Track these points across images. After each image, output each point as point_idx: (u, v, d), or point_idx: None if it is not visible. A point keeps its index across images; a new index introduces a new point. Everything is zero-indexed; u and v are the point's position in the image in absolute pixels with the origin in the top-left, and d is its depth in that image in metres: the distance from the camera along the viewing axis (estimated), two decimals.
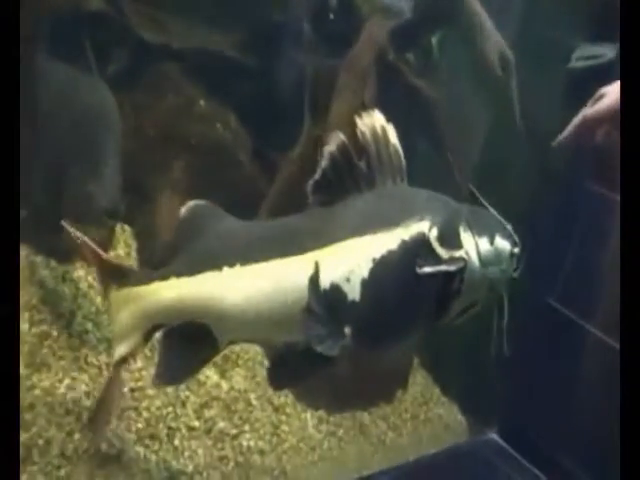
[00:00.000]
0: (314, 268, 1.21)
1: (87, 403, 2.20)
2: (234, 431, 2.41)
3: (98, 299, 2.55)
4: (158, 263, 1.43)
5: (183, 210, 1.42)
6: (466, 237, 1.28)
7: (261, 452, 2.41)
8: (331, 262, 1.21)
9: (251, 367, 2.59)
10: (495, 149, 3.21)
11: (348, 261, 1.21)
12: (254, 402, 2.54)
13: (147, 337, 1.57)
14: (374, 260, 1.21)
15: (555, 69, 3.00)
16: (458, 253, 1.26)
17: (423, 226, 1.25)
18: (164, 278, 1.36)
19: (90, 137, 2.11)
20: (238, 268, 1.24)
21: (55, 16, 2.42)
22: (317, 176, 1.34)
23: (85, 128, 2.13)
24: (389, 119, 3.29)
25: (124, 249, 2.79)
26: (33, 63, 2.05)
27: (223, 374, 2.52)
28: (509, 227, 1.38)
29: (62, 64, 2.25)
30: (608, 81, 2.73)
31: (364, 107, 3.18)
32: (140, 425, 2.24)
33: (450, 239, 1.26)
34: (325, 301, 1.20)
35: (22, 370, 2.12)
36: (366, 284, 1.21)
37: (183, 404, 2.38)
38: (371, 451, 2.68)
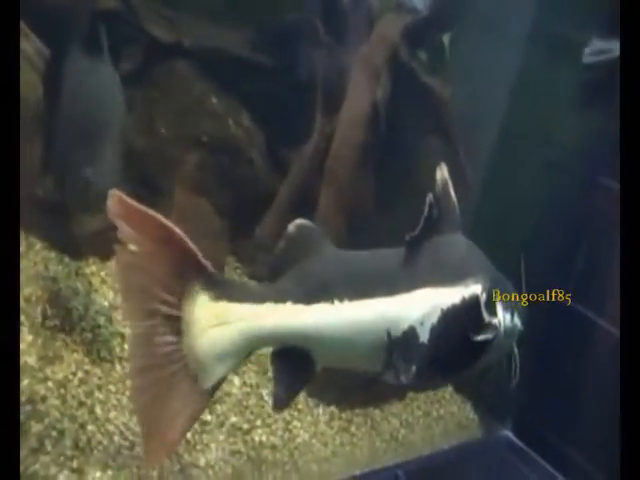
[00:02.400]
0: (399, 311, 1.34)
1: (100, 396, 2.20)
2: (246, 426, 2.41)
3: (110, 294, 2.56)
4: (266, 278, 1.38)
5: (290, 227, 1.39)
6: (499, 308, 1.46)
7: (273, 447, 2.41)
8: (412, 306, 1.35)
9: (263, 363, 2.59)
10: (507, 147, 3.21)
11: (424, 308, 1.35)
12: (266, 397, 2.53)
13: (246, 359, 1.39)
14: (442, 310, 1.36)
15: (567, 65, 2.99)
16: (495, 320, 1.42)
17: (477, 289, 1.41)
18: (280, 301, 1.31)
19: (93, 122, 2.10)
20: (346, 303, 1.32)
21: (70, 12, 2.43)
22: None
23: (89, 113, 2.12)
24: (401, 117, 3.30)
25: None
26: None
27: (235, 370, 2.52)
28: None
29: (75, 52, 2.25)
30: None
31: (374, 104, 3.21)
32: None
33: (490, 306, 1.43)
34: (403, 340, 1.33)
35: (35, 362, 2.13)
36: (434, 330, 1.35)
37: None
38: (383, 447, 2.67)
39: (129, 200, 1.25)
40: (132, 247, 1.24)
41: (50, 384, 2.10)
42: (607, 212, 2.87)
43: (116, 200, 1.25)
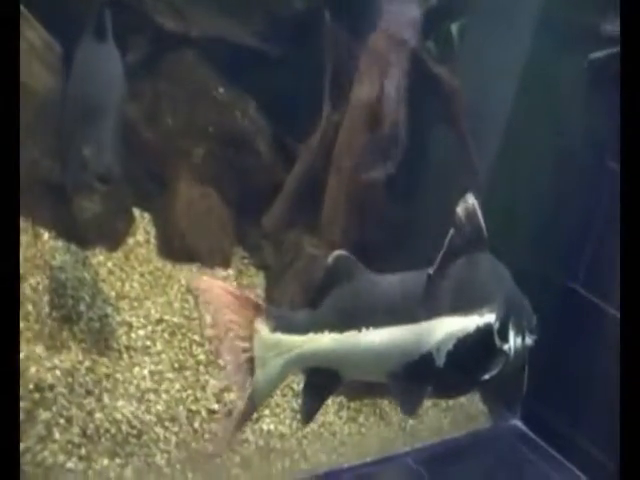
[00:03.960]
0: (419, 338, 1.49)
1: (108, 385, 2.20)
2: (255, 415, 2.39)
3: (118, 284, 2.56)
4: (309, 303, 1.55)
5: (330, 259, 1.54)
6: (511, 334, 1.53)
7: (281, 436, 2.41)
8: (430, 334, 1.48)
9: None
10: (516, 135, 3.19)
11: (441, 335, 1.48)
12: None
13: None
14: (457, 338, 1.48)
15: (576, 53, 2.97)
16: (506, 346, 1.51)
17: (491, 317, 1.49)
18: (319, 331, 1.50)
19: (94, 103, 2.09)
20: (371, 330, 1.48)
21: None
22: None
23: (90, 94, 2.12)
24: (409, 106, 3.28)
25: (143, 236, 2.80)
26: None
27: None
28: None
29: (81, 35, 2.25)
30: None
31: (383, 94, 3.20)
32: (160, 407, 2.23)
33: (503, 332, 1.52)
34: (417, 365, 1.48)
35: (42, 352, 2.12)
36: (450, 355, 1.47)
37: (203, 388, 2.38)
38: (391, 437, 2.66)
39: (205, 279, 1.53)
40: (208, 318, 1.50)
41: (57, 372, 2.10)
42: (617, 197, 2.86)
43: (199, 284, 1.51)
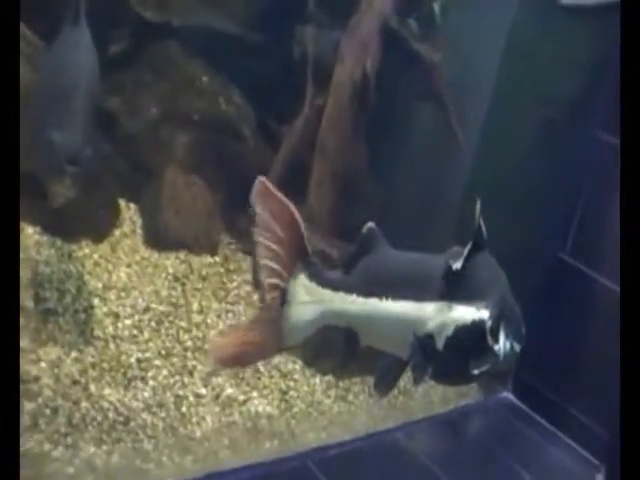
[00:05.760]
0: (424, 316, 1.57)
1: (94, 374, 2.25)
2: (242, 397, 2.44)
3: (105, 276, 2.60)
4: (342, 267, 1.62)
5: (364, 229, 1.62)
6: (502, 335, 1.57)
7: (269, 417, 2.45)
8: (434, 315, 1.56)
9: None
10: (502, 107, 3.18)
11: (442, 319, 1.55)
12: (262, 369, 2.57)
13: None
14: (456, 326, 1.55)
15: (559, 22, 2.96)
16: (496, 347, 1.55)
17: (485, 314, 1.54)
18: (348, 292, 1.59)
19: (63, 87, 2.11)
20: (390, 301, 1.58)
21: None
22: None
23: (59, 77, 2.13)
24: (392, 85, 3.28)
25: (129, 226, 2.84)
26: None
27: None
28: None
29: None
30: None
31: (364, 74, 3.21)
32: (147, 394, 2.28)
33: (495, 332, 1.56)
34: (424, 341, 1.56)
35: (27, 344, 2.17)
36: (448, 340, 1.54)
37: (190, 373, 2.43)
38: (381, 415, 2.70)
39: (271, 187, 1.50)
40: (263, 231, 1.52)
41: (43, 364, 2.15)
42: (605, 165, 2.86)
43: (260, 186, 1.50)
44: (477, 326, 1.55)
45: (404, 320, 1.57)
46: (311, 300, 1.60)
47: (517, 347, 1.64)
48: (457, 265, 1.56)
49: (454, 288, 1.57)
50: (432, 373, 1.59)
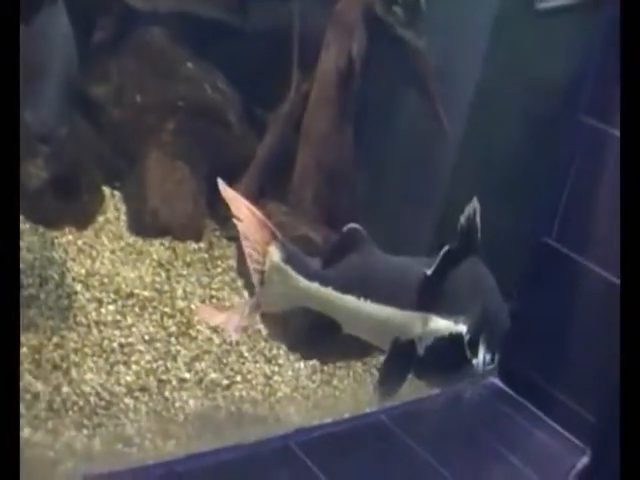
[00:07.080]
0: (405, 324, 1.62)
1: (76, 359, 2.25)
2: (225, 382, 2.45)
3: (88, 262, 2.60)
4: (321, 261, 1.66)
5: (345, 229, 1.67)
6: (481, 349, 1.61)
7: (253, 402, 2.45)
8: (414, 324, 1.61)
9: None
10: (486, 92, 3.17)
11: (422, 328, 1.60)
12: (246, 354, 2.57)
13: None
14: (435, 337, 1.60)
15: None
16: (475, 361, 1.60)
17: (462, 329, 1.59)
18: (324, 284, 1.63)
19: (35, 66, 2.09)
20: (369, 302, 1.62)
21: None
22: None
23: (32, 58, 2.12)
24: (376, 71, 3.28)
25: (113, 213, 2.84)
26: None
27: (215, 328, 2.55)
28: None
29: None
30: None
31: (349, 60, 3.20)
32: (129, 378, 2.28)
33: (474, 346, 1.60)
34: (402, 350, 1.61)
35: None
36: (427, 349, 1.60)
37: (174, 358, 2.43)
38: (366, 400, 2.70)
39: (233, 193, 1.66)
40: (238, 223, 1.63)
41: (24, 349, 2.15)
42: (591, 150, 2.86)
43: (227, 195, 1.66)
44: (455, 339, 1.59)
45: (384, 323, 1.61)
46: (284, 282, 1.64)
47: (496, 360, 1.68)
48: (429, 271, 1.58)
49: (430, 297, 1.60)
50: (414, 374, 1.66)
